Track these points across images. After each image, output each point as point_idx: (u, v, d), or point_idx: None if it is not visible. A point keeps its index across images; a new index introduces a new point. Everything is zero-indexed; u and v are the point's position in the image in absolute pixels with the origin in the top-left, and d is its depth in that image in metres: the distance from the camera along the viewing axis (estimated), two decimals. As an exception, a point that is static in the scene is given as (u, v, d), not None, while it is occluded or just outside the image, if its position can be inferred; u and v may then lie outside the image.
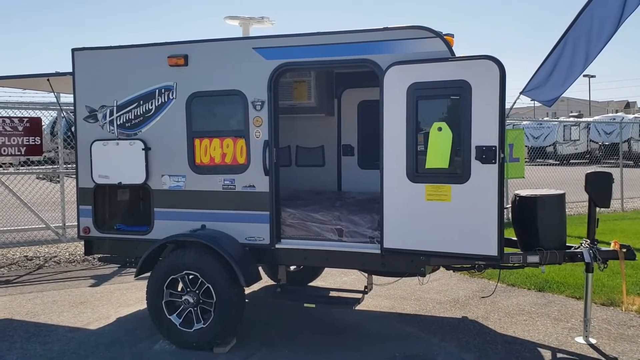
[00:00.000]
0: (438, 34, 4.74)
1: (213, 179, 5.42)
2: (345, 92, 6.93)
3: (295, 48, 5.15)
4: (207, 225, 5.44)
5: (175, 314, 5.31)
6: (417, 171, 4.74)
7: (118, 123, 5.69)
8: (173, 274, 5.27)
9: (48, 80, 6.25)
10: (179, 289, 5.36)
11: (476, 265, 5.13)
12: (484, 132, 4.52)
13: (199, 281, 5.19)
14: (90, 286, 7.62)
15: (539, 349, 5.28)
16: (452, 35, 4.97)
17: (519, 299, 6.77)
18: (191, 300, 5.22)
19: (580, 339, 5.45)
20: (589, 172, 5.37)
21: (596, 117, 38.39)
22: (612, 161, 24.52)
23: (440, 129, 4.68)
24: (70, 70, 5.86)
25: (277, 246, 5.29)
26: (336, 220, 5.25)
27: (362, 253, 5.14)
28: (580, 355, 5.13)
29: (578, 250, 5.25)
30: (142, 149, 5.56)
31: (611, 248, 5.33)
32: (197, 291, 5.22)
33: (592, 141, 33.53)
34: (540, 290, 7.12)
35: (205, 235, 5.25)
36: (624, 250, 5.28)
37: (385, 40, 4.88)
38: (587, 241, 5.31)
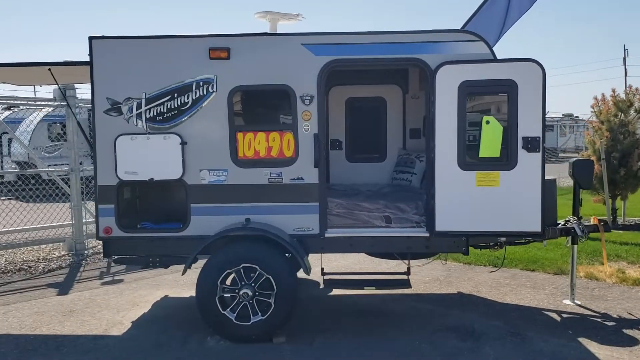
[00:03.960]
0: (482, 38, 5.33)
1: (258, 173, 5.44)
2: (332, 89, 7.25)
3: (344, 45, 5.39)
4: (251, 219, 5.45)
5: (229, 309, 5.26)
6: (468, 160, 5.30)
7: (147, 116, 5.44)
8: (229, 268, 5.22)
9: (49, 69, 5.69)
10: (229, 283, 5.32)
11: (499, 243, 5.84)
12: (529, 125, 5.21)
13: (257, 273, 5.21)
14: (58, 295, 7.01)
15: (544, 311, 6.14)
16: None
17: (487, 275, 7.65)
18: (250, 293, 5.22)
19: (567, 301, 6.43)
20: (574, 159, 6.35)
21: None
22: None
23: (488, 122, 5.28)
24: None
25: (327, 235, 5.49)
26: (383, 207, 5.60)
27: (409, 237, 5.56)
28: (578, 313, 6.08)
29: (570, 225, 6.19)
30: (180, 144, 5.39)
31: (592, 223, 6.38)
32: (253, 284, 5.24)
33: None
34: (495, 266, 8.09)
35: (266, 229, 5.27)
36: (602, 224, 6.36)
37: (434, 41, 5.35)
38: (574, 218, 6.29)
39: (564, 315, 6.02)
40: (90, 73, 5.42)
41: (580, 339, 5.32)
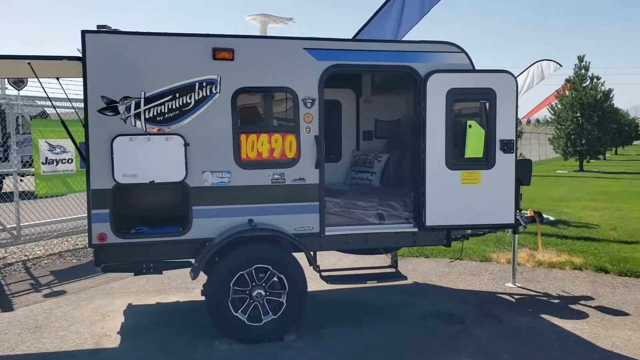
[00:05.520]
0: (463, 50, 5.90)
1: (261, 174, 5.48)
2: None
3: (344, 51, 5.64)
4: (254, 220, 5.48)
5: (239, 311, 5.25)
6: (454, 160, 5.83)
7: (147, 116, 5.22)
8: (242, 270, 5.21)
9: (29, 63, 5.18)
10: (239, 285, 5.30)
11: (465, 235, 6.48)
12: (505, 129, 5.88)
13: (268, 273, 5.28)
14: (4, 312, 6.34)
15: (497, 294, 6.91)
16: None
17: (428, 265, 8.33)
18: (263, 293, 5.26)
19: (510, 284, 7.28)
20: (517, 159, 7.19)
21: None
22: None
23: (470, 126, 5.86)
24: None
25: (326, 233, 5.70)
26: (377, 205, 5.94)
27: (398, 233, 5.96)
28: (525, 294, 6.93)
29: (516, 217, 7.01)
30: (183, 145, 5.25)
31: (529, 215, 7.29)
32: (264, 284, 5.29)
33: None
34: (427, 257, 8.80)
35: (277, 229, 5.34)
36: (538, 215, 7.30)
37: (424, 51, 5.81)
38: (517, 211, 7.13)
39: (516, 297, 6.83)
40: (83, 69, 5.08)
41: (543, 316, 6.12)
